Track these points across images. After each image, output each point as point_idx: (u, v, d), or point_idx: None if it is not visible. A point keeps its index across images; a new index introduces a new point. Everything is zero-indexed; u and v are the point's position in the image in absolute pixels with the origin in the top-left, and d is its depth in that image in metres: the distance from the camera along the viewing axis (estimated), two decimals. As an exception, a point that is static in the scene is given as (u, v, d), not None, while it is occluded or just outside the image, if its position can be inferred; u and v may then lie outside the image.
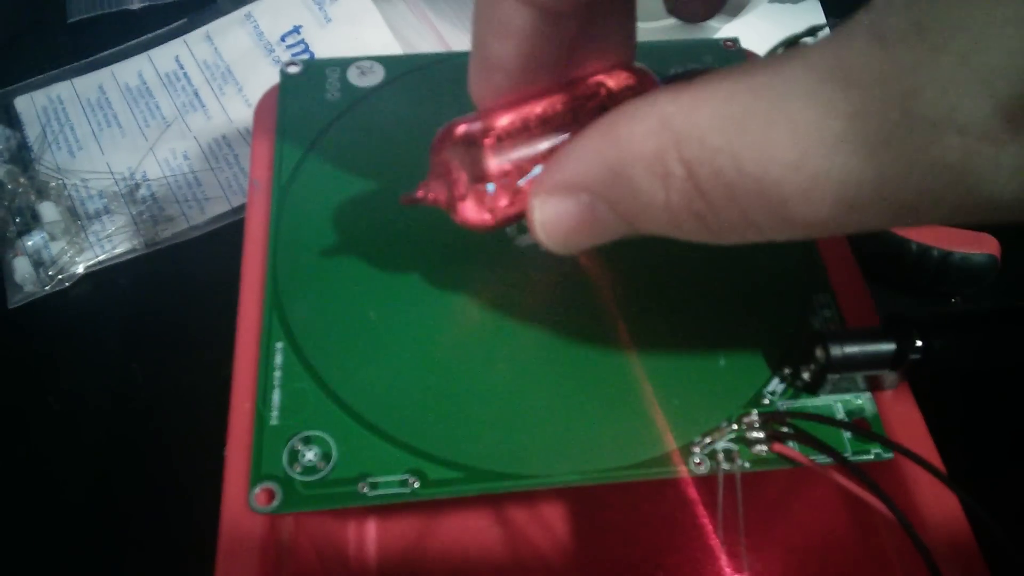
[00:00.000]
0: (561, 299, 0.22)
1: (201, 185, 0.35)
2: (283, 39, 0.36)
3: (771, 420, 0.20)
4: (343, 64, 0.27)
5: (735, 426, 0.20)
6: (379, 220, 0.24)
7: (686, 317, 0.22)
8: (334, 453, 0.20)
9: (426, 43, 0.37)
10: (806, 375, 0.21)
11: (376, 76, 0.27)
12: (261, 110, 0.27)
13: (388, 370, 0.21)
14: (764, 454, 0.20)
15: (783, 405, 0.21)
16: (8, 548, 0.28)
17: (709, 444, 0.20)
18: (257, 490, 0.19)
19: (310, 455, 0.20)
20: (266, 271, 0.23)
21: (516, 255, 0.23)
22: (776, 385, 0.21)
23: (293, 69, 0.27)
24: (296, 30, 0.37)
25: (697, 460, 0.20)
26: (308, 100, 0.26)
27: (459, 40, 0.37)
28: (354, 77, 0.27)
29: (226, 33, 0.37)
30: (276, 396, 0.21)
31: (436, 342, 0.22)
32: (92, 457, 0.29)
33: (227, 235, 0.34)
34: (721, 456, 0.20)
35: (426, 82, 0.27)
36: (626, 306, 0.22)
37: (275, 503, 0.19)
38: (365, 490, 0.20)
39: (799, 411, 0.21)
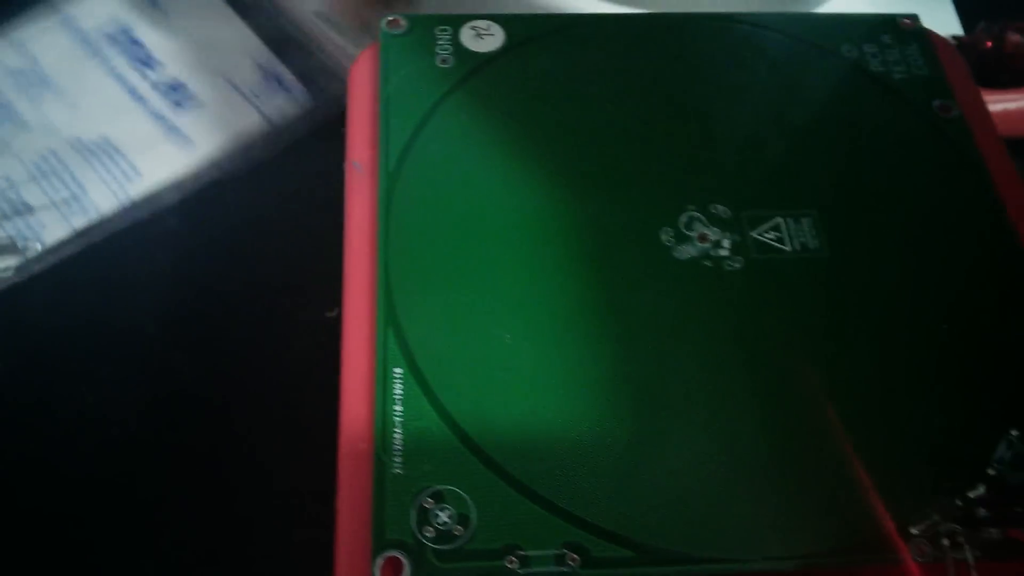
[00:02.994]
0: (740, 332, 0.18)
1: (34, 211, 0.28)
2: (107, 34, 0.32)
3: (1004, 498, 0.17)
4: (455, 23, 0.23)
5: (960, 503, 0.17)
6: (512, 217, 0.20)
7: (887, 363, 0.18)
8: (473, 516, 0.16)
9: (275, 24, 0.32)
10: (1039, 440, 0.17)
11: (495, 40, 0.23)
12: (356, 77, 0.22)
13: (534, 411, 0.17)
14: (998, 540, 0.16)
15: (1014, 479, 0.17)
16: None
17: (931, 526, 0.16)
18: (381, 560, 0.16)
19: (444, 516, 0.16)
20: (376, 277, 0.19)
21: (676, 269, 0.19)
22: (1004, 451, 0.17)
23: (396, 28, 0.23)
24: (123, 25, 0.32)
25: (919, 545, 0.16)
26: (415, 66, 0.22)
27: (307, 25, 0.32)
28: (469, 40, 0.23)
29: (35, 35, 0.32)
30: (398, 437, 0.17)
31: (593, 380, 0.18)
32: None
33: (69, 271, 0.27)
34: (947, 542, 0.16)
35: (557, 48, 0.23)
36: (818, 344, 0.18)
37: (403, 577, 0.16)
38: (514, 566, 0.16)
39: (1034, 486, 0.17)
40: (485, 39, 0.23)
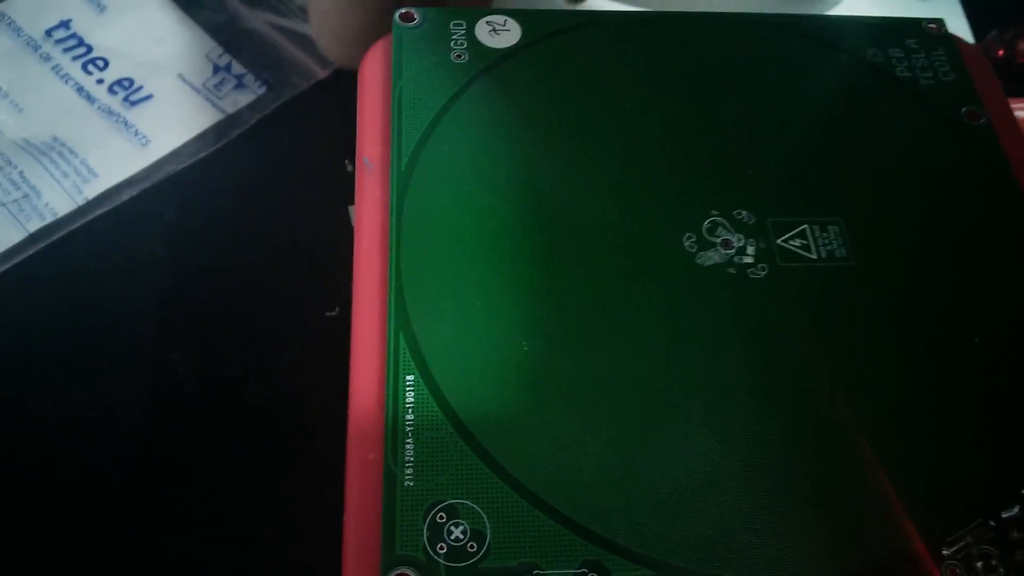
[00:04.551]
0: (765, 344, 0.18)
1: None
2: (49, 34, 0.31)
3: (1039, 520, 0.16)
4: (470, 18, 0.22)
5: (992, 524, 0.16)
6: (528, 220, 0.19)
7: (916, 378, 0.18)
8: (488, 532, 0.15)
9: (222, 17, 0.32)
10: (1073, 460, 0.17)
11: (511, 36, 0.22)
12: (367, 70, 0.22)
13: (552, 424, 0.17)
14: (1032, 564, 0.16)
15: (1049, 499, 0.16)
16: None
17: (963, 548, 0.16)
18: (392, 577, 0.15)
19: (457, 532, 0.15)
20: (388, 279, 0.18)
21: (698, 276, 0.19)
22: (1038, 471, 0.17)
23: (409, 22, 0.22)
24: (64, 24, 0.31)
25: (951, 567, 0.16)
26: (429, 61, 0.21)
27: (254, 15, 0.31)
28: (484, 35, 0.22)
29: None
30: (409, 448, 0.16)
31: (610, 391, 0.17)
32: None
33: (17, 283, 0.26)
34: (980, 565, 0.16)
35: (575, 45, 0.22)
36: (844, 359, 0.18)
37: (414, 596, 0.15)
38: (531, 585, 0.15)
39: (1069, 508, 0.16)
40: (501, 35, 0.22)
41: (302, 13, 0.31)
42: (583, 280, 0.18)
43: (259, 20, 0.31)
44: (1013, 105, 0.26)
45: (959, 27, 0.36)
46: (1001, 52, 0.32)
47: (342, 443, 0.17)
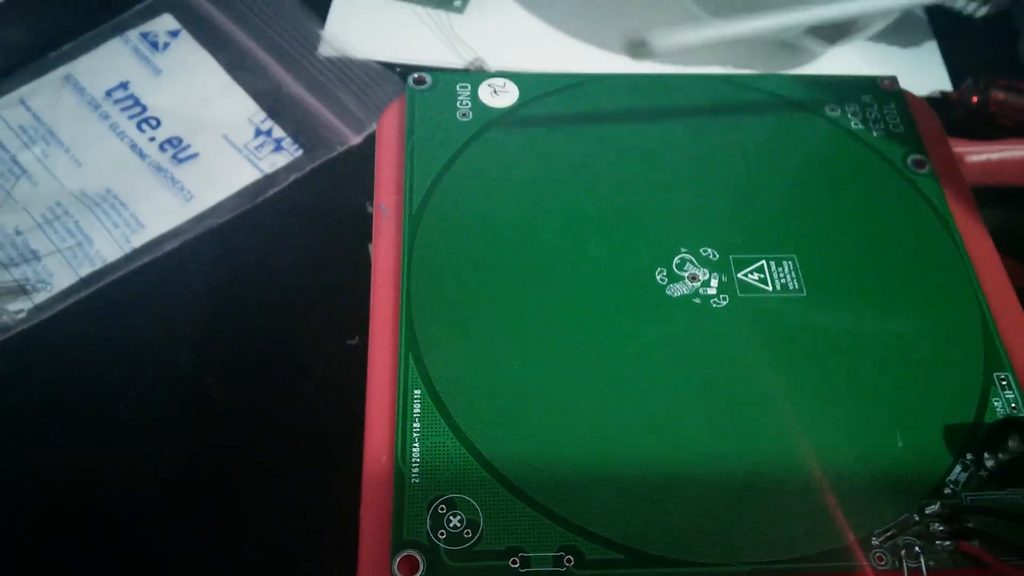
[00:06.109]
0: (725, 362, 0.21)
1: (40, 260, 0.30)
2: (109, 94, 0.34)
3: (956, 514, 0.19)
4: (474, 81, 0.25)
5: (917, 518, 0.19)
6: (521, 256, 0.22)
7: (856, 392, 0.20)
8: (481, 521, 0.18)
9: (266, 84, 0.35)
10: (991, 463, 0.19)
11: (510, 96, 0.25)
12: (384, 127, 0.25)
13: (537, 430, 0.19)
14: (949, 552, 0.18)
15: (967, 497, 0.19)
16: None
17: (890, 537, 0.18)
18: (399, 558, 0.18)
19: (455, 521, 0.18)
20: (399, 307, 0.21)
21: (668, 305, 0.21)
22: (959, 473, 0.19)
23: (421, 85, 0.25)
24: (123, 85, 0.34)
25: (878, 555, 0.18)
26: (437, 119, 0.25)
27: (295, 84, 0.35)
28: (486, 96, 0.25)
29: (43, 95, 0.34)
30: (416, 451, 0.19)
31: (588, 402, 0.20)
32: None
33: (71, 321, 0.29)
34: (904, 552, 0.18)
35: (565, 104, 0.25)
36: (794, 376, 0.21)
37: (418, 574, 0.18)
38: (516, 566, 0.18)
39: (985, 505, 0.19)
40: (501, 95, 0.25)
41: (340, 83, 0.34)
42: (569, 308, 0.21)
43: (300, 88, 0.34)
44: (965, 148, 0.29)
45: (938, 75, 0.39)
46: (975, 99, 0.34)
47: (360, 451, 0.20)
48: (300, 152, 0.32)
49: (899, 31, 0.38)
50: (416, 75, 0.25)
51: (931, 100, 0.36)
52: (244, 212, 0.31)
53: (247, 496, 0.25)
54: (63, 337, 0.28)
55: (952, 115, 0.35)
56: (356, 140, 0.33)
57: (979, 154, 0.32)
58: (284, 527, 0.25)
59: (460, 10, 0.37)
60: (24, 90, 0.34)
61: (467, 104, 0.25)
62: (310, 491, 0.25)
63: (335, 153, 0.33)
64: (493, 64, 0.35)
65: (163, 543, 0.25)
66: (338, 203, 0.32)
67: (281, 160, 0.32)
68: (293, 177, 0.32)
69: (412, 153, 0.24)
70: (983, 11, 0.35)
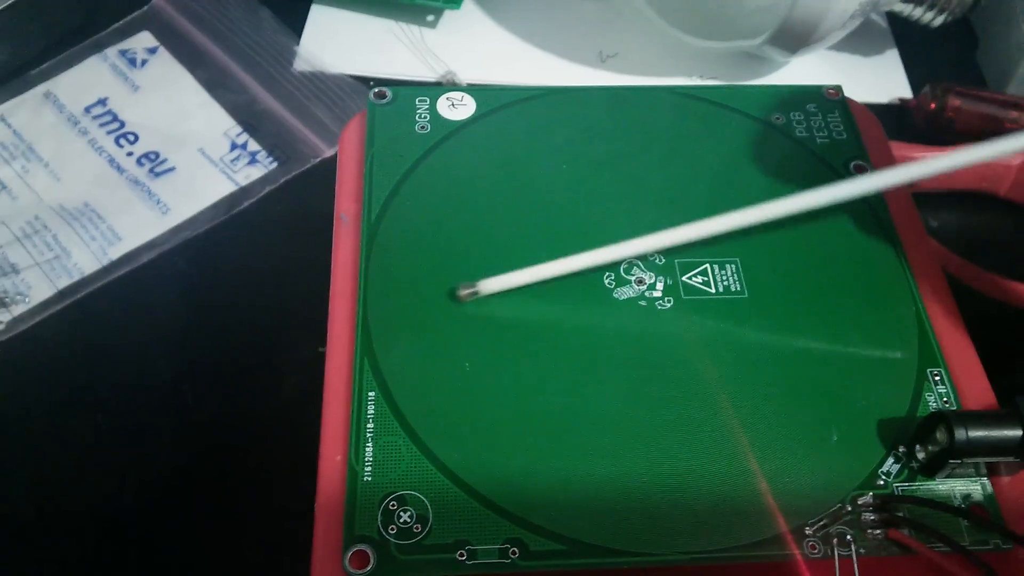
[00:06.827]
0: (668, 362, 0.21)
1: (19, 273, 0.30)
2: (88, 110, 0.34)
3: (886, 504, 0.19)
4: (433, 94, 0.26)
5: (849, 508, 0.19)
6: (474, 263, 0.23)
7: (794, 388, 0.21)
8: (430, 516, 0.19)
9: (242, 99, 0.35)
10: (922, 455, 0.20)
11: (467, 109, 0.26)
12: (346, 139, 0.26)
13: (486, 428, 0.20)
14: (880, 540, 0.19)
15: (898, 488, 0.20)
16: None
17: (823, 527, 0.19)
18: (351, 552, 0.19)
19: (405, 516, 0.19)
20: (356, 312, 0.22)
21: (616, 308, 0.22)
22: (891, 465, 0.20)
23: (381, 99, 0.26)
24: (102, 102, 0.35)
25: (811, 543, 0.19)
26: (397, 132, 0.26)
27: (270, 99, 0.35)
28: (444, 109, 0.26)
29: (23, 112, 0.34)
30: (369, 450, 0.20)
31: (537, 401, 0.21)
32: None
33: (49, 332, 0.29)
34: (836, 540, 0.19)
35: (520, 117, 0.26)
36: (734, 373, 0.21)
37: (369, 567, 0.18)
38: (464, 558, 0.19)
39: (914, 495, 0.20)
40: (458, 108, 0.26)
41: (314, 97, 0.35)
42: (519, 311, 0.22)
43: (275, 102, 0.35)
44: (921, 153, 0.30)
45: (899, 82, 0.40)
46: (932, 105, 0.35)
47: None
48: (274, 164, 0.33)
49: (861, 40, 0.39)
50: (377, 90, 0.26)
51: (891, 107, 0.37)
52: (219, 224, 0.32)
53: (229, 501, 0.26)
54: (41, 348, 0.29)
55: (912, 122, 0.36)
56: (329, 152, 0.33)
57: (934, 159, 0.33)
58: (279, 528, 0.25)
59: (433, 25, 0.38)
60: (5, 107, 0.35)
61: (426, 117, 0.26)
62: (290, 495, 0.26)
63: (308, 165, 0.33)
64: (465, 77, 0.36)
65: (137, 555, 0.25)
66: (311, 213, 0.32)
67: (256, 173, 0.33)
68: (267, 189, 0.33)
69: (371, 165, 0.25)
70: (939, 20, 0.36)
